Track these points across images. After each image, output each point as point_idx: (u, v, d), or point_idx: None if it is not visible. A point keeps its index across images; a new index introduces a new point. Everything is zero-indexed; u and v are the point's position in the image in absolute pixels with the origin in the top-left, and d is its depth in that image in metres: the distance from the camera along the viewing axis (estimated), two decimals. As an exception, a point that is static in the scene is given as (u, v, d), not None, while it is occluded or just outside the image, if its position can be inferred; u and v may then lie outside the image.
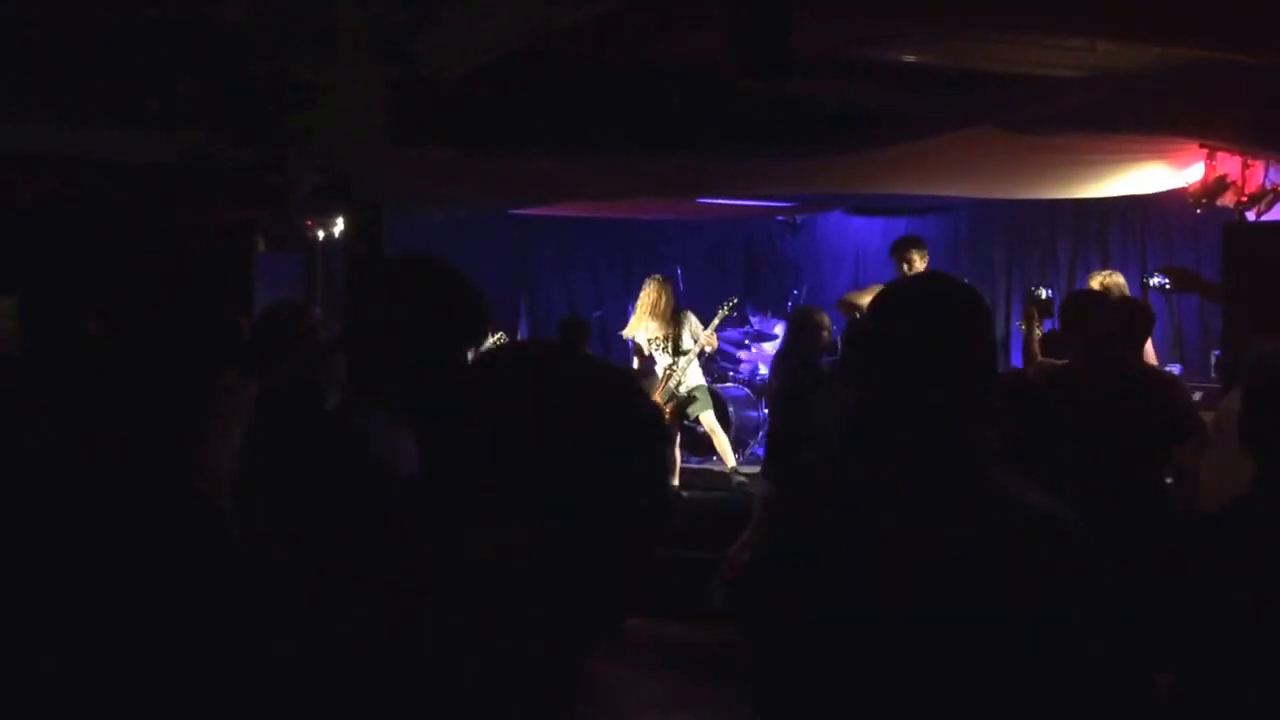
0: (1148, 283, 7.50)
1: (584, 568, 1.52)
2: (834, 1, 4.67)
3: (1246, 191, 6.88)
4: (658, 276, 9.41)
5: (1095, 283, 7.65)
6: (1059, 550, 1.85)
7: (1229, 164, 6.91)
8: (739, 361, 11.11)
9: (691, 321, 9.24)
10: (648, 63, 5.48)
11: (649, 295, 9.16)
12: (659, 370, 9.21)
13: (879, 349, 2.02)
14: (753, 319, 11.46)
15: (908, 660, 1.84)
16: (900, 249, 8.49)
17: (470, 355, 2.54)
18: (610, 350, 12.21)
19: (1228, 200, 6.98)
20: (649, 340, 9.25)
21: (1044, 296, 7.52)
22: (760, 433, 9.71)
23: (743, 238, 13.39)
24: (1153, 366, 5.91)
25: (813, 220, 13.07)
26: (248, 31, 5.33)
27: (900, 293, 2.17)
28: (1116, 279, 7.75)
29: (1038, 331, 6.60)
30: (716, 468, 9.09)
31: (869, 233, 12.60)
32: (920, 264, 8.60)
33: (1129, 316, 5.19)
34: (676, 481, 9.23)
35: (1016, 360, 8.34)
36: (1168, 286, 7.14)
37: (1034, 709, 1.81)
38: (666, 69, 5.59)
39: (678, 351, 9.05)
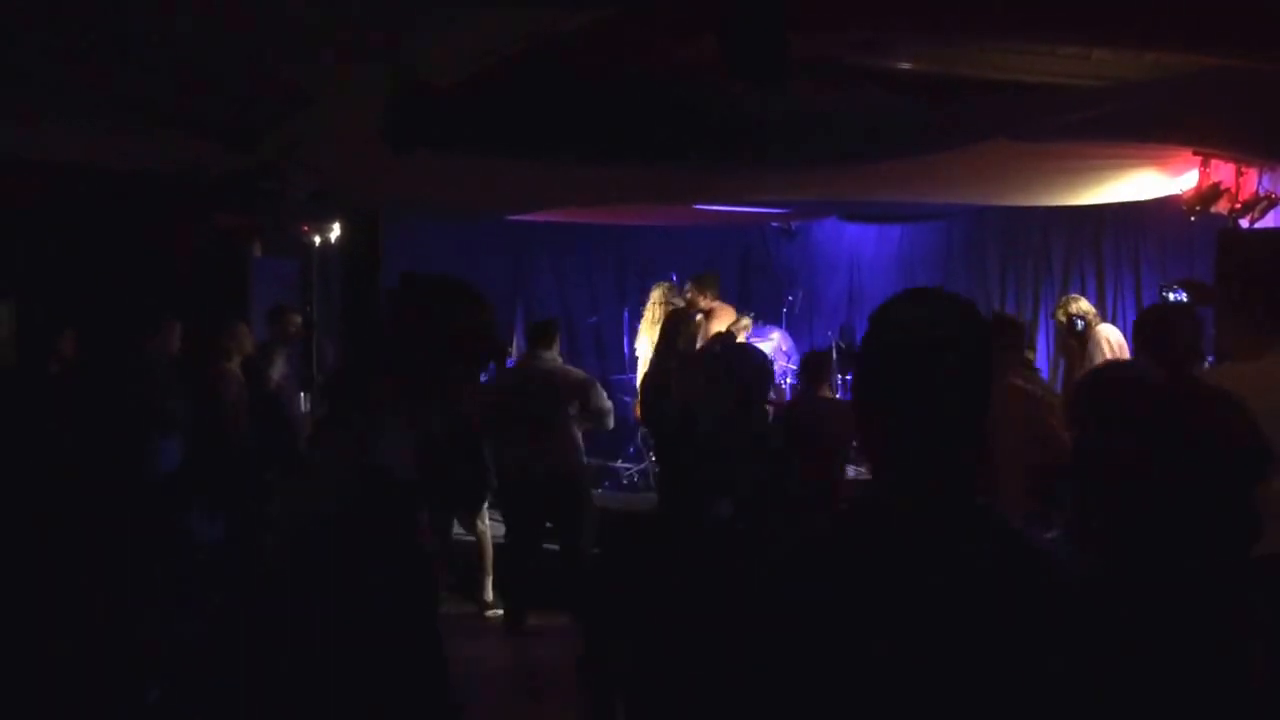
0: (1166, 297, 7.52)
1: None
2: (828, 10, 4.69)
3: (1240, 198, 6.91)
4: (664, 283, 9.45)
5: (1062, 312, 7.74)
6: (1062, 598, 1.76)
7: (1223, 171, 6.95)
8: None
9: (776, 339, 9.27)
10: (644, 69, 5.48)
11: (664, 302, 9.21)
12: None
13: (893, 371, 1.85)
14: (747, 326, 11.48)
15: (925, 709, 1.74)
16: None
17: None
18: (605, 357, 12.25)
19: (1221, 207, 7.01)
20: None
21: (1080, 328, 7.58)
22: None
23: (738, 244, 13.40)
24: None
25: (808, 227, 13.09)
26: (244, 38, 5.33)
27: (905, 311, 1.91)
28: (1082, 304, 7.81)
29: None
30: None
31: (864, 239, 12.64)
32: (704, 303, 8.91)
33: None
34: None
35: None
36: (1185, 299, 7.16)
37: None
38: (663, 75, 5.59)
39: None
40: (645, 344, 9.42)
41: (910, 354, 1.81)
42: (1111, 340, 7.70)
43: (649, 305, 9.38)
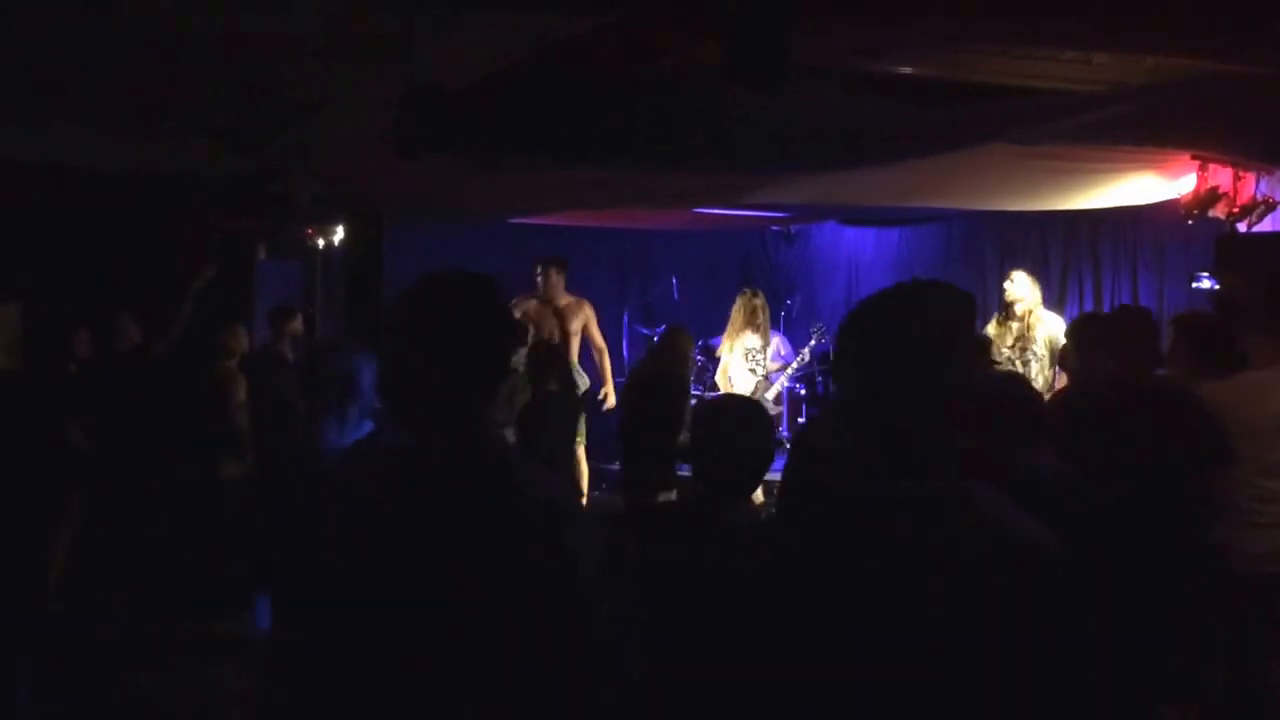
0: (1194, 286, 7.56)
1: None
2: (831, 15, 4.72)
3: (1238, 203, 6.96)
4: (748, 290, 9.50)
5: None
6: (1035, 577, 1.85)
7: (1221, 175, 6.99)
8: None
9: (775, 343, 9.25)
10: (647, 73, 5.51)
11: (747, 307, 9.20)
12: (739, 385, 9.13)
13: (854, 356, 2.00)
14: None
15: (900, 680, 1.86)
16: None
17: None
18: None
19: (1219, 211, 7.05)
20: (746, 351, 9.24)
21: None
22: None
23: (737, 247, 13.45)
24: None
25: (807, 230, 13.14)
26: (250, 42, 5.37)
27: (887, 299, 2.04)
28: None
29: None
30: None
31: (862, 243, 12.69)
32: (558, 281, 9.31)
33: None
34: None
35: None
36: (1216, 288, 7.16)
37: None
38: (666, 79, 5.62)
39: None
40: (726, 350, 9.44)
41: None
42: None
43: (733, 313, 9.44)
